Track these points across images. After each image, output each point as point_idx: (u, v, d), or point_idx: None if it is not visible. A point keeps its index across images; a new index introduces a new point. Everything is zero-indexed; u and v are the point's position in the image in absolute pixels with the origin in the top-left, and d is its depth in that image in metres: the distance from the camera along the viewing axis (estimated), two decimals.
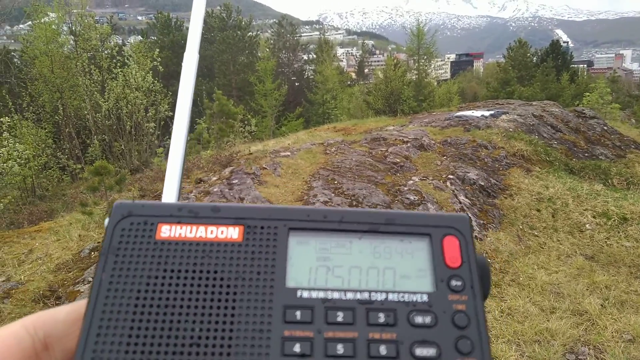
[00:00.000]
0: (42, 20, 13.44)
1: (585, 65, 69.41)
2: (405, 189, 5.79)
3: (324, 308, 0.33)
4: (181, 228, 0.35)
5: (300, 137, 10.43)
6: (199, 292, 0.33)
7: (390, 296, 0.34)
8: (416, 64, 27.34)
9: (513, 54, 31.53)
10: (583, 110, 11.55)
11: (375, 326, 0.33)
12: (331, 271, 0.36)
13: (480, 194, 6.11)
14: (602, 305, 3.94)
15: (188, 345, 0.31)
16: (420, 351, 0.32)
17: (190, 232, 0.35)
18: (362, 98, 26.24)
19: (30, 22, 14.49)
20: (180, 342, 0.31)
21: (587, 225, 5.54)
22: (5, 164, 9.58)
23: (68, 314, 0.33)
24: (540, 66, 30.51)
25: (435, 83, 29.59)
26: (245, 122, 13.29)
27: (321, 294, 0.34)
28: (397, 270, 0.36)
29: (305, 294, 0.34)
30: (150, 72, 13.42)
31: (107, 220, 0.36)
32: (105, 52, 14.82)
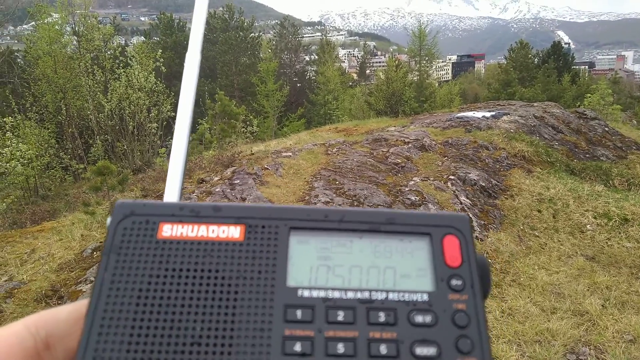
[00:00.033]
0: (45, 21, 13.50)
1: (586, 67, 69.33)
2: (407, 189, 5.80)
3: (324, 307, 0.34)
4: (182, 227, 0.35)
5: (302, 137, 10.45)
6: (200, 291, 0.33)
7: (391, 295, 0.35)
8: (418, 65, 27.37)
9: (514, 55, 31.52)
10: (584, 111, 11.55)
11: (376, 325, 0.33)
12: (332, 270, 0.36)
13: (481, 194, 6.12)
14: (603, 305, 3.94)
15: (189, 344, 0.31)
16: (420, 350, 0.32)
17: (192, 231, 0.35)
18: (364, 99, 26.25)
19: (33, 23, 14.56)
20: (181, 341, 0.31)
21: (588, 226, 5.54)
22: (8, 164, 9.62)
23: (70, 313, 0.34)
24: (542, 67, 30.48)
25: (437, 84, 29.61)
26: (247, 123, 13.34)
27: (322, 293, 0.34)
28: (398, 269, 0.36)
29: (306, 293, 0.34)
30: (153, 72, 13.46)
31: (109, 220, 0.36)
32: (108, 52, 14.89)
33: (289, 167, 6.65)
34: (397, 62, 24.37)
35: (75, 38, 15.07)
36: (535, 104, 11.89)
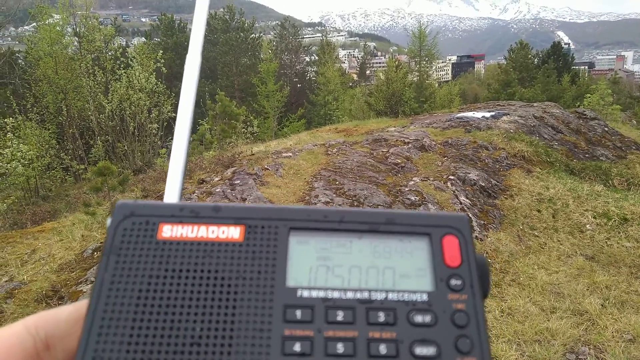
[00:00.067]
0: (46, 22, 13.52)
1: (586, 67, 69.33)
2: (406, 189, 5.81)
3: (324, 307, 0.34)
4: (182, 228, 0.36)
5: (302, 138, 10.47)
6: (200, 291, 0.33)
7: (390, 295, 0.35)
8: (417, 66, 27.38)
9: (514, 56, 31.52)
10: (584, 111, 11.55)
11: (375, 325, 0.33)
12: (331, 271, 0.36)
13: (481, 194, 6.12)
14: (602, 305, 3.95)
15: (189, 345, 0.31)
16: (420, 350, 0.32)
17: (192, 232, 0.35)
18: (364, 99, 26.28)
19: (34, 24, 14.57)
20: (181, 341, 0.31)
21: (587, 226, 5.55)
22: (9, 165, 9.63)
23: (70, 314, 0.34)
24: (542, 68, 30.48)
25: (437, 84, 29.62)
26: (248, 123, 13.34)
27: (321, 293, 0.34)
28: (397, 269, 0.36)
29: (306, 294, 0.34)
30: (154, 73, 13.47)
31: (109, 220, 0.36)
32: (109, 53, 14.90)
33: (289, 167, 6.66)
34: (397, 62, 24.39)
35: (76, 39, 15.09)
36: (535, 104, 11.90)
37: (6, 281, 4.26)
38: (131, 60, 13.38)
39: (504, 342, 3.41)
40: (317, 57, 35.56)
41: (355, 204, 5.23)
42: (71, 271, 4.37)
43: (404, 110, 21.27)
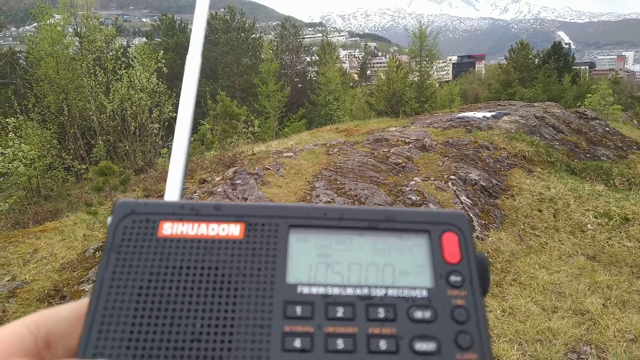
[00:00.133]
0: (47, 22, 13.53)
1: (587, 67, 69.24)
2: (407, 189, 5.82)
3: (324, 303, 0.34)
4: (183, 226, 0.36)
5: (303, 138, 10.47)
6: (200, 288, 0.33)
7: (390, 292, 0.35)
8: (418, 66, 27.36)
9: (515, 56, 31.50)
10: (585, 111, 11.55)
11: (375, 321, 0.33)
12: (331, 267, 0.36)
13: (482, 194, 6.13)
14: (603, 304, 3.95)
15: (189, 341, 0.31)
16: (420, 346, 0.32)
17: (192, 229, 0.36)
18: (365, 99, 26.30)
19: (35, 24, 14.58)
20: (181, 337, 0.31)
21: (588, 226, 5.55)
22: (10, 165, 9.64)
23: (70, 312, 0.34)
24: (542, 68, 30.45)
25: (437, 84, 29.58)
26: (249, 123, 13.34)
27: (321, 290, 0.34)
28: (397, 266, 0.36)
29: (306, 290, 0.34)
30: (155, 73, 13.50)
31: (109, 219, 0.36)
32: (110, 53, 14.91)
33: (290, 167, 6.67)
34: (397, 62, 24.40)
35: (77, 39, 15.11)
36: (535, 104, 11.90)
37: (8, 280, 4.27)
38: (132, 60, 13.40)
39: (506, 341, 3.41)
40: (317, 57, 35.57)
41: (357, 204, 5.24)
42: (73, 270, 4.38)
43: (405, 110, 21.27)
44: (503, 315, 3.78)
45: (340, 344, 0.32)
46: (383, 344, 0.32)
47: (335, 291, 0.34)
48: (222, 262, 0.34)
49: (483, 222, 5.44)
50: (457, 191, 5.90)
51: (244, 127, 12.44)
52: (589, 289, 4.25)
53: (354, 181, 5.97)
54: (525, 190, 6.40)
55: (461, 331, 0.33)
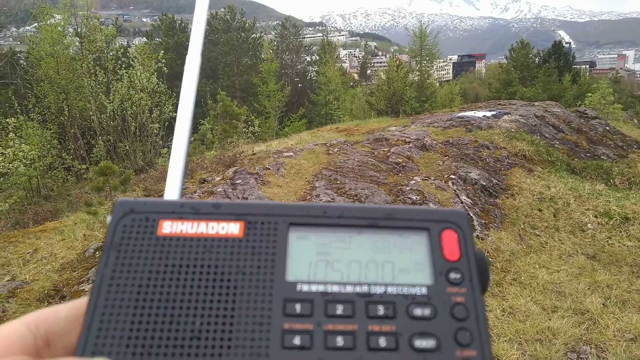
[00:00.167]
0: (48, 22, 13.54)
1: (587, 66, 69.23)
2: (407, 188, 5.81)
3: (323, 301, 0.34)
4: (182, 224, 0.36)
5: (303, 137, 10.47)
6: (200, 286, 0.33)
7: (390, 289, 0.35)
8: (418, 65, 27.36)
9: (515, 55, 31.48)
10: (585, 110, 11.54)
11: (375, 319, 0.33)
12: (330, 265, 0.36)
13: (482, 193, 6.12)
14: (603, 304, 3.94)
15: (189, 339, 0.31)
16: (419, 343, 0.32)
17: (191, 228, 0.36)
18: (365, 99, 26.28)
19: (36, 24, 14.60)
20: (181, 335, 0.31)
21: (588, 225, 5.55)
22: (10, 165, 9.65)
23: (69, 311, 0.34)
24: (543, 67, 30.43)
25: (438, 84, 29.58)
26: (249, 123, 13.36)
27: (321, 288, 0.34)
28: (396, 264, 0.36)
29: (305, 288, 0.34)
30: (155, 73, 13.50)
31: (109, 217, 0.36)
32: (111, 53, 14.93)
33: (291, 167, 6.67)
34: (398, 62, 24.39)
35: (78, 39, 15.12)
36: (536, 104, 11.89)
37: (8, 280, 4.27)
38: (132, 60, 13.41)
39: (505, 341, 3.41)
40: (318, 57, 35.57)
41: (357, 203, 5.23)
42: (73, 270, 4.38)
43: (405, 109, 21.27)
44: (503, 315, 3.78)
45: (339, 341, 0.32)
46: (383, 341, 0.32)
47: (335, 289, 0.34)
48: (222, 261, 0.34)
49: (483, 221, 5.44)
50: (457, 190, 5.90)
51: (244, 127, 12.45)
52: (589, 289, 4.24)
53: (354, 181, 5.97)
54: (525, 189, 6.40)
55: (461, 328, 0.33)
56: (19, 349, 0.30)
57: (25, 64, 17.26)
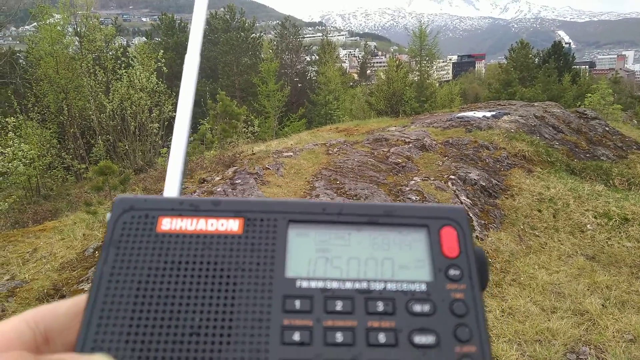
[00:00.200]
0: (47, 22, 13.53)
1: (587, 67, 69.32)
2: (407, 189, 5.82)
3: (323, 297, 0.34)
4: (182, 221, 0.36)
5: (303, 137, 10.48)
6: (199, 282, 0.33)
7: (389, 285, 0.35)
8: (418, 65, 27.37)
9: (515, 55, 31.50)
10: (585, 111, 11.55)
11: (374, 315, 0.33)
12: (330, 262, 0.36)
13: (482, 194, 6.13)
14: (603, 305, 3.95)
15: (188, 335, 0.31)
16: (419, 339, 0.32)
17: (191, 224, 0.36)
18: (364, 99, 26.30)
19: (35, 24, 14.59)
20: (180, 331, 0.31)
21: (588, 226, 5.55)
22: (10, 164, 9.64)
23: (69, 308, 0.34)
24: (542, 67, 30.45)
25: (437, 84, 29.59)
26: (249, 123, 13.36)
27: (320, 284, 0.34)
28: (396, 260, 0.36)
29: (305, 284, 0.34)
30: (155, 73, 13.50)
31: (108, 215, 0.36)
32: (110, 53, 14.92)
33: (290, 166, 6.67)
34: (397, 62, 24.40)
35: (77, 39, 15.12)
36: (535, 104, 11.90)
37: (8, 280, 4.27)
38: (132, 59, 13.40)
39: (505, 341, 3.41)
40: (317, 57, 35.58)
41: None
42: (72, 270, 4.38)
43: (405, 109, 21.28)
44: (502, 316, 3.78)
45: (339, 337, 0.32)
46: (382, 337, 0.32)
47: (334, 285, 0.34)
48: (221, 257, 0.34)
49: (483, 222, 5.44)
50: (456, 191, 5.90)
51: (244, 127, 12.45)
52: (588, 289, 4.25)
53: (354, 181, 5.97)
54: (525, 190, 6.40)
55: (460, 324, 0.33)
56: (18, 345, 0.30)
57: (24, 63, 17.24)
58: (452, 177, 6.29)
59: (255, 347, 0.31)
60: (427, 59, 27.48)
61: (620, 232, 5.39)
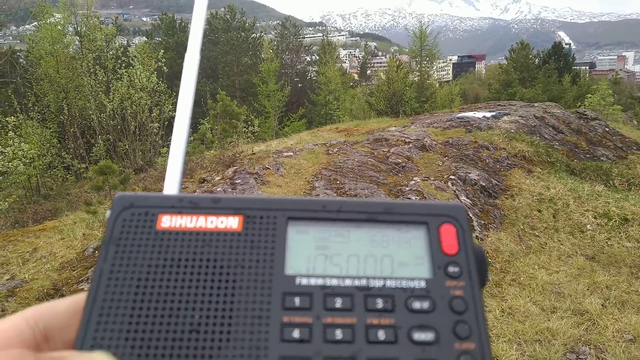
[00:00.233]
0: (47, 21, 13.55)
1: (587, 67, 69.33)
2: (407, 189, 5.82)
3: (322, 295, 0.34)
4: (181, 218, 0.36)
5: (303, 137, 10.48)
6: (199, 279, 0.33)
7: (388, 283, 0.35)
8: (418, 66, 27.39)
9: (515, 56, 31.51)
10: (585, 111, 11.56)
11: (374, 312, 0.33)
12: (329, 259, 0.36)
13: (482, 194, 6.13)
14: (602, 305, 3.95)
15: (188, 332, 0.31)
16: (418, 336, 0.32)
17: (190, 222, 0.36)
18: (365, 99, 26.32)
19: (36, 23, 14.61)
20: (180, 328, 0.31)
21: (588, 226, 5.55)
22: (10, 163, 9.65)
23: (68, 306, 0.34)
24: (542, 68, 30.48)
25: (437, 84, 29.61)
26: (249, 123, 13.37)
27: (320, 281, 0.34)
28: (395, 257, 0.36)
29: (304, 281, 0.34)
30: (155, 72, 13.51)
31: (108, 212, 0.36)
32: (110, 52, 14.94)
33: (290, 166, 6.67)
34: (398, 62, 24.42)
35: (78, 38, 15.13)
36: (535, 105, 11.91)
37: (8, 279, 4.27)
38: (132, 59, 13.41)
39: (505, 341, 3.41)
40: (318, 57, 35.59)
41: None
42: (72, 269, 4.38)
43: (405, 110, 21.30)
44: (502, 316, 3.78)
45: (338, 334, 0.32)
46: (382, 334, 0.32)
47: (334, 282, 0.35)
48: (221, 255, 0.35)
49: (483, 222, 5.45)
50: (456, 191, 5.90)
51: (244, 127, 12.45)
52: (588, 290, 4.25)
53: (354, 181, 5.98)
54: (524, 190, 6.41)
55: (459, 321, 0.33)
56: (18, 343, 0.30)
57: (25, 62, 17.25)
58: (452, 177, 6.29)
59: (255, 344, 0.31)
60: (428, 59, 27.50)
61: (620, 233, 5.39)
